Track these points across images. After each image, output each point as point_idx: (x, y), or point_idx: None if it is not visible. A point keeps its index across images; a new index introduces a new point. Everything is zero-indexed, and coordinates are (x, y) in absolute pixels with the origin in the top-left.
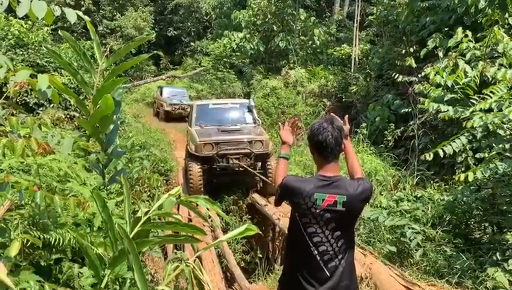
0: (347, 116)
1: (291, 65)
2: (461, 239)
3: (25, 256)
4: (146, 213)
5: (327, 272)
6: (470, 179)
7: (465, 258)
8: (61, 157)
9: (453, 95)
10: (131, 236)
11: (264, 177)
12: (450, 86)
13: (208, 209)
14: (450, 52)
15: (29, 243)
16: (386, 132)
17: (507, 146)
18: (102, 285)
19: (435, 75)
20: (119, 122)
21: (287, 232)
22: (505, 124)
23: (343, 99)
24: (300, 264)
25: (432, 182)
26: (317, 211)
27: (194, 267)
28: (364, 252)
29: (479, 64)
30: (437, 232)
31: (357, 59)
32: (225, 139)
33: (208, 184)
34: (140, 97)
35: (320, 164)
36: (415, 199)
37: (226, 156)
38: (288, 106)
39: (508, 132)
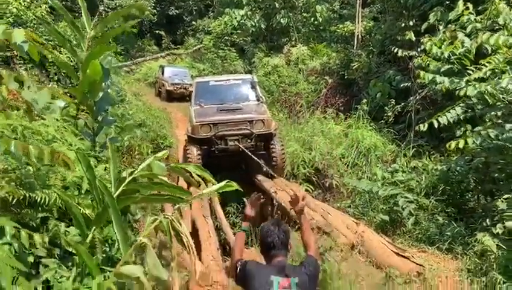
0: (304, 194)
1: (293, 43)
2: (454, 208)
3: (12, 216)
4: (131, 174)
5: None
6: (461, 146)
7: (456, 226)
8: (49, 122)
9: (449, 66)
10: (115, 195)
11: (260, 162)
12: (446, 57)
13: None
14: (450, 25)
15: (14, 200)
16: (386, 107)
17: (499, 113)
18: (87, 240)
19: (432, 46)
20: (109, 90)
21: None
22: (502, 94)
23: (345, 77)
24: None
25: (427, 153)
26: None
27: (172, 219)
28: (357, 221)
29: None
30: (430, 201)
31: (359, 36)
32: (224, 120)
33: (207, 167)
34: (142, 77)
35: (269, 258)
36: (410, 170)
37: (225, 138)
38: (290, 84)
39: (502, 101)
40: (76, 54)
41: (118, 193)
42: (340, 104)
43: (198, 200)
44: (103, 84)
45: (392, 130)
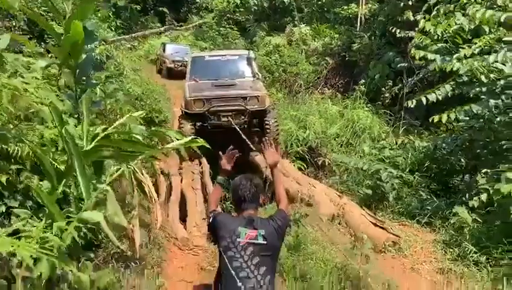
0: (279, 146)
1: (296, 23)
2: (438, 184)
3: None
4: (104, 130)
5: None
6: (443, 120)
7: (436, 201)
8: (29, 80)
9: (443, 44)
10: (86, 148)
11: (246, 139)
12: (440, 34)
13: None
14: (449, 5)
15: None
16: (383, 88)
17: (484, 90)
18: (59, 191)
19: (425, 24)
20: (93, 54)
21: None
22: (491, 72)
23: (347, 58)
24: None
25: (416, 131)
26: (241, 244)
27: (135, 170)
28: (339, 194)
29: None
30: (415, 177)
31: (363, 18)
32: (217, 95)
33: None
34: (145, 54)
35: (240, 211)
36: (398, 147)
37: (218, 113)
38: (291, 64)
39: (488, 77)
40: (60, 13)
41: (90, 147)
42: (340, 86)
43: (190, 174)
44: (87, 46)
45: (388, 112)
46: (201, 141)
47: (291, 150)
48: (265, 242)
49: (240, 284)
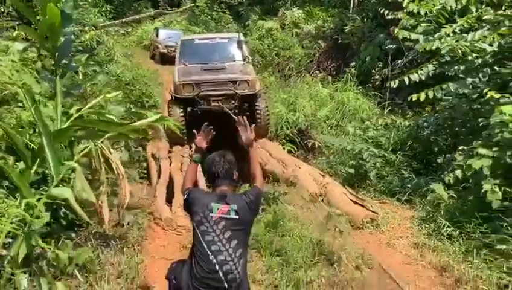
0: (253, 126)
1: (288, 6)
2: (421, 163)
3: None
4: (78, 111)
5: (225, 283)
6: (422, 98)
7: (415, 179)
8: (6, 62)
9: (427, 24)
10: (60, 128)
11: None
12: (423, 14)
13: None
14: None
15: None
16: (373, 70)
17: (462, 68)
18: (32, 171)
19: (409, 3)
20: (72, 37)
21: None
22: (474, 51)
23: (339, 41)
24: (201, 274)
25: (400, 111)
26: (213, 218)
27: (102, 147)
28: (322, 174)
29: None
30: (397, 157)
31: (356, 1)
32: (207, 79)
33: (192, 128)
34: (138, 40)
35: (214, 187)
36: (383, 128)
37: (208, 98)
38: (284, 48)
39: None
40: None
41: (64, 127)
42: (332, 69)
43: (179, 157)
44: (65, 29)
45: (378, 94)
46: (170, 121)
47: (281, 133)
48: (237, 217)
49: (211, 257)
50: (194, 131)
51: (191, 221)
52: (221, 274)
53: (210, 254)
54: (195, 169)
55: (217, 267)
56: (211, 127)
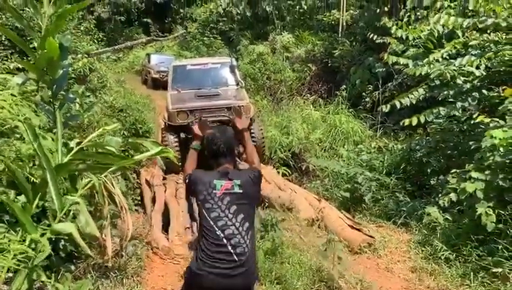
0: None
1: (278, 30)
2: (414, 186)
3: None
4: (78, 144)
5: (235, 257)
6: (414, 123)
7: (411, 202)
8: (5, 96)
9: (415, 49)
10: (62, 162)
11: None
12: (411, 39)
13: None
14: (423, 11)
15: None
16: (364, 93)
17: (451, 92)
18: (34, 205)
19: (396, 30)
20: (69, 69)
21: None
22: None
23: (329, 65)
24: (210, 250)
25: (392, 134)
26: (217, 195)
27: (105, 181)
28: (318, 198)
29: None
30: (391, 179)
31: (345, 24)
32: (201, 106)
33: (185, 154)
34: (129, 65)
35: (216, 165)
36: (375, 151)
37: None
38: (275, 72)
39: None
40: (33, 30)
41: (65, 161)
42: (323, 91)
43: (174, 184)
44: (63, 62)
45: (370, 116)
46: (170, 152)
47: (275, 156)
48: (241, 191)
49: (219, 232)
50: (193, 120)
51: (196, 202)
52: (230, 247)
53: (217, 229)
54: (195, 157)
55: (225, 241)
56: (208, 120)
